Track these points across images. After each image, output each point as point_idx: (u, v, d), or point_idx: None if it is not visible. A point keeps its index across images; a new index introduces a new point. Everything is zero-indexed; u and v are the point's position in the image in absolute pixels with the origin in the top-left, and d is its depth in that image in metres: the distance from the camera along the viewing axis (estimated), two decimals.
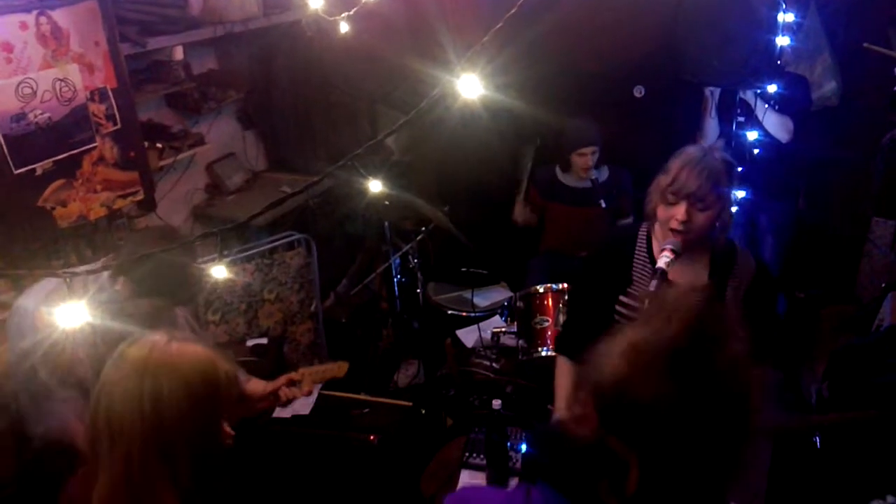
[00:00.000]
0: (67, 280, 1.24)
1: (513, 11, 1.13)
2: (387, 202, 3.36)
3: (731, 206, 2.11)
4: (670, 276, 2.12)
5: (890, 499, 2.30)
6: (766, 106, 3.40)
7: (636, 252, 2.19)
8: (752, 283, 2.10)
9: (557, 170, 3.78)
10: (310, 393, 2.49)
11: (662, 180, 2.04)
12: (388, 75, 4.01)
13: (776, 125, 3.43)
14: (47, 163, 2.96)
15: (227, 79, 4.07)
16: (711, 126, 3.65)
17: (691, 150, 2.06)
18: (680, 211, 2.00)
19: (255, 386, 2.46)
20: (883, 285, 3.42)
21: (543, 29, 3.29)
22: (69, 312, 1.25)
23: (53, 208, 3.02)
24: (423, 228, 3.69)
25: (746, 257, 2.13)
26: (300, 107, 4.33)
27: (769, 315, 2.13)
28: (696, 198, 1.99)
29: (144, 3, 3.33)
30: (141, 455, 1.27)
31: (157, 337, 1.36)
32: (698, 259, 2.12)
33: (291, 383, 2.43)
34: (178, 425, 1.29)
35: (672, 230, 2.03)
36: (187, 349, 1.34)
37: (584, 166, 3.59)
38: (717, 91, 3.54)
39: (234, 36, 3.82)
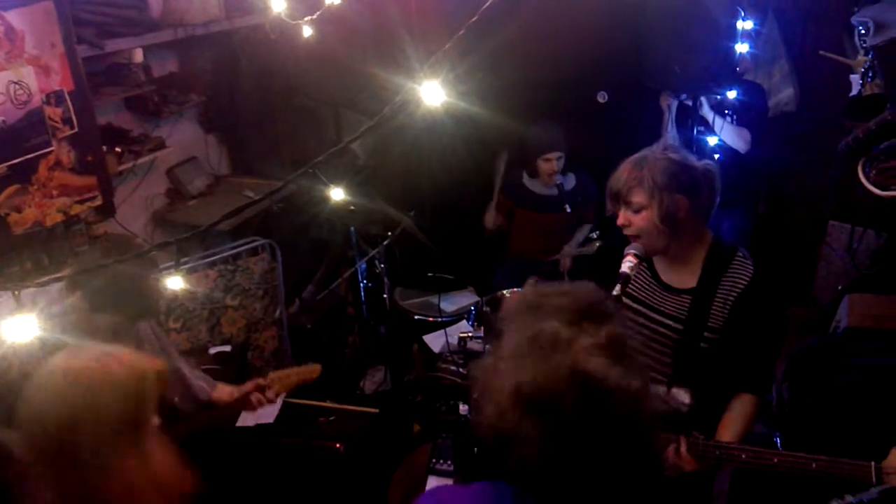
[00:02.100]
0: (16, 293, 1.20)
1: (475, 19, 1.12)
2: (352, 207, 3.34)
3: (678, 205, 1.98)
4: (661, 275, 2.13)
5: (848, 498, 2.35)
6: (723, 121, 3.45)
7: None
8: (744, 292, 2.02)
9: (524, 175, 3.80)
10: (278, 395, 2.46)
11: None
12: (352, 80, 3.99)
13: (734, 137, 3.49)
14: (1, 168, 2.88)
15: (189, 82, 4.00)
16: (669, 140, 3.69)
17: (638, 153, 2.04)
18: (620, 215, 2.02)
19: (222, 393, 2.43)
20: (840, 288, 3.50)
21: (505, 37, 3.29)
22: (18, 326, 1.21)
23: (8, 214, 2.94)
24: (390, 233, 3.67)
25: (744, 265, 2.06)
26: (264, 110, 4.28)
27: (759, 325, 2.03)
28: (622, 200, 2.00)
29: (102, 5, 3.26)
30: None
31: (73, 351, 1.32)
32: (691, 260, 2.09)
33: (260, 388, 2.39)
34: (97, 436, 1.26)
35: (626, 235, 2.04)
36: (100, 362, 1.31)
37: (550, 171, 3.62)
38: (674, 105, 3.59)
39: (196, 38, 3.76)
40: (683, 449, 1.93)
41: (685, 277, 2.09)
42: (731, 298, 2.03)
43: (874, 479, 1.69)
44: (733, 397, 2.05)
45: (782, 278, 4.01)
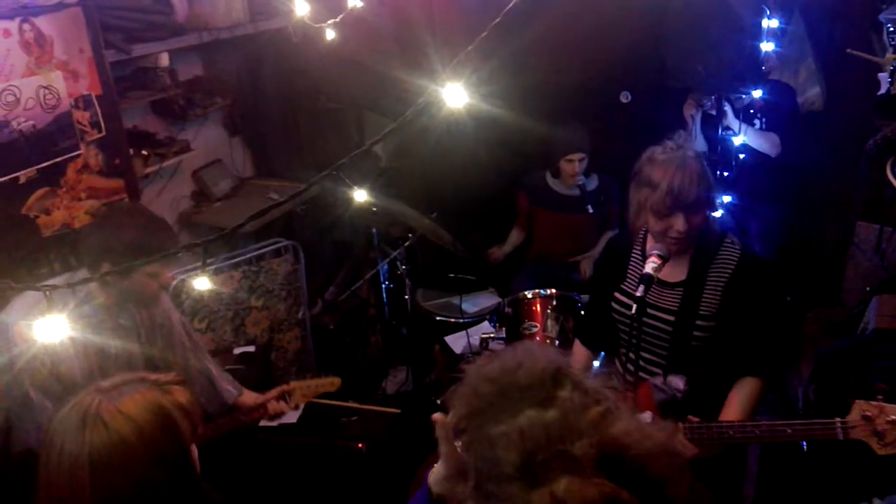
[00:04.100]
0: (48, 294, 1.22)
1: (497, 21, 1.13)
2: (374, 209, 3.36)
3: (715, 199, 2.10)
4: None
5: (877, 502, 2.32)
6: (747, 126, 3.41)
7: (633, 251, 2.22)
8: (733, 277, 2.05)
9: (548, 175, 3.79)
10: (297, 407, 2.52)
11: (650, 195, 1.99)
12: (375, 83, 4.01)
13: (761, 142, 3.45)
14: (31, 171, 2.93)
15: (214, 85, 4.05)
16: (696, 147, 3.65)
17: (661, 156, 2.02)
18: (679, 222, 1.98)
19: (247, 398, 2.50)
20: (868, 289, 3.45)
21: (529, 38, 3.29)
22: (49, 326, 1.23)
23: (37, 217, 2.99)
24: (411, 234, 3.68)
25: (731, 249, 2.09)
26: (287, 113, 4.31)
27: (757, 307, 2.05)
28: (693, 206, 1.97)
29: (129, 10, 3.30)
30: None
31: (94, 393, 1.31)
32: (683, 253, 2.10)
33: (282, 396, 2.46)
34: (133, 474, 1.26)
35: (673, 239, 2.02)
36: (126, 402, 1.30)
37: (572, 173, 3.60)
38: (699, 115, 3.57)
39: (221, 42, 3.80)
40: (680, 436, 1.93)
41: (676, 270, 2.11)
42: (721, 285, 2.06)
43: (840, 434, 1.76)
44: (737, 381, 2.07)
45: (809, 279, 3.98)
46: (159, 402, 1.31)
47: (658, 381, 2.14)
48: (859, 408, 1.75)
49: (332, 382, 2.58)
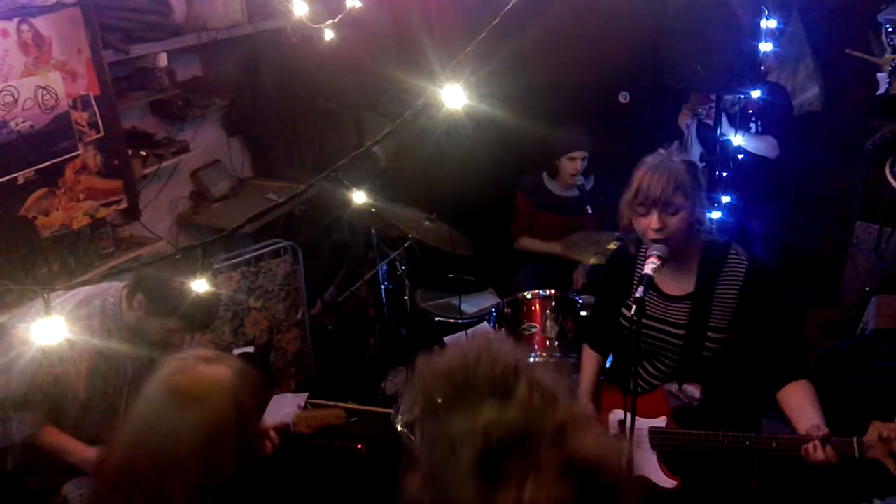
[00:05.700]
0: (45, 296, 1.22)
1: (496, 22, 1.12)
2: (373, 209, 3.35)
3: (704, 205, 2.07)
4: (659, 285, 2.13)
5: (876, 502, 2.32)
6: (745, 133, 3.42)
7: (637, 266, 2.21)
8: (745, 289, 2.04)
9: (545, 176, 3.78)
10: (299, 433, 2.53)
11: (628, 194, 2.05)
12: (374, 83, 4.01)
13: (760, 146, 3.46)
14: (29, 171, 2.93)
15: (212, 86, 4.04)
16: (693, 156, 3.66)
17: (649, 159, 2.08)
18: (652, 220, 2.01)
19: None
20: (867, 289, 3.45)
21: (527, 39, 3.29)
22: (47, 329, 1.23)
23: (35, 217, 2.99)
24: (410, 235, 3.67)
25: (738, 261, 2.09)
26: (286, 114, 4.31)
27: (773, 316, 2.05)
28: (663, 203, 2.00)
29: (128, 10, 3.30)
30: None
31: (184, 362, 1.34)
32: (687, 266, 2.11)
33: (284, 428, 2.44)
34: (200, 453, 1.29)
35: (652, 240, 2.04)
36: (212, 373, 1.33)
37: (573, 171, 3.60)
38: (694, 125, 3.57)
39: (219, 43, 3.79)
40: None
41: (683, 284, 2.11)
42: (732, 298, 2.05)
43: (857, 453, 1.77)
44: (785, 389, 2.01)
45: (808, 279, 3.97)
46: (228, 377, 1.36)
47: (673, 387, 2.13)
48: (876, 429, 1.74)
49: (337, 416, 2.63)
